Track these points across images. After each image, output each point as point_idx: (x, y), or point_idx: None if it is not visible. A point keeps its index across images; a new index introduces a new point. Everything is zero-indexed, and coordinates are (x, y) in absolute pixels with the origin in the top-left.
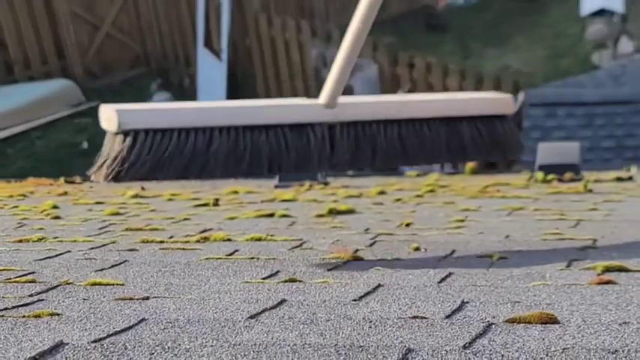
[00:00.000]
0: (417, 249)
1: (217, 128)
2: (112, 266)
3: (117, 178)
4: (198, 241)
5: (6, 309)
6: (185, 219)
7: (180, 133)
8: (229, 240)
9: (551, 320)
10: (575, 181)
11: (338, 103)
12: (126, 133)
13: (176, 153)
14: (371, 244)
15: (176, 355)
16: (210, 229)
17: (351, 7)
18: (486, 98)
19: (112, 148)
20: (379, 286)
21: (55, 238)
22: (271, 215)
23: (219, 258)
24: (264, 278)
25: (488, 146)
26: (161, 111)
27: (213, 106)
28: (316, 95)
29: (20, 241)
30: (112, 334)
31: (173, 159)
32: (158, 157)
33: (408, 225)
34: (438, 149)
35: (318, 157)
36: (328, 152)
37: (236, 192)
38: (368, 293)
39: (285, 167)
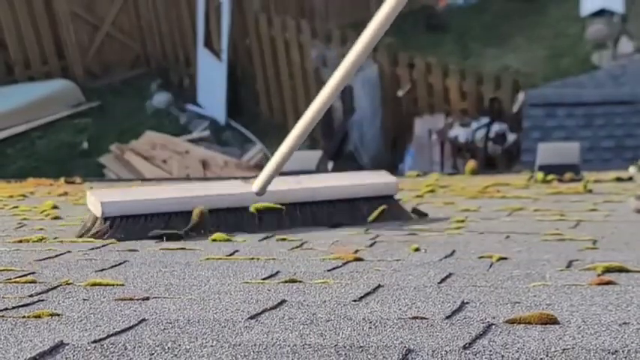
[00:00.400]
0: (417, 249)
1: (173, 213)
2: (112, 266)
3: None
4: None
5: (6, 309)
6: None
7: (146, 217)
8: (229, 240)
9: (551, 321)
10: (575, 182)
11: (267, 191)
12: (106, 218)
13: (142, 230)
14: (371, 245)
15: (176, 355)
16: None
17: (351, 7)
18: (378, 183)
19: (94, 223)
20: (379, 286)
21: (55, 238)
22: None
23: (220, 258)
24: (264, 279)
25: (381, 217)
26: (133, 202)
27: (169, 196)
28: (315, 95)
29: (20, 241)
30: (112, 335)
31: (139, 232)
32: (129, 231)
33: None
34: (341, 219)
35: (251, 227)
36: (257, 224)
37: None
38: (368, 294)
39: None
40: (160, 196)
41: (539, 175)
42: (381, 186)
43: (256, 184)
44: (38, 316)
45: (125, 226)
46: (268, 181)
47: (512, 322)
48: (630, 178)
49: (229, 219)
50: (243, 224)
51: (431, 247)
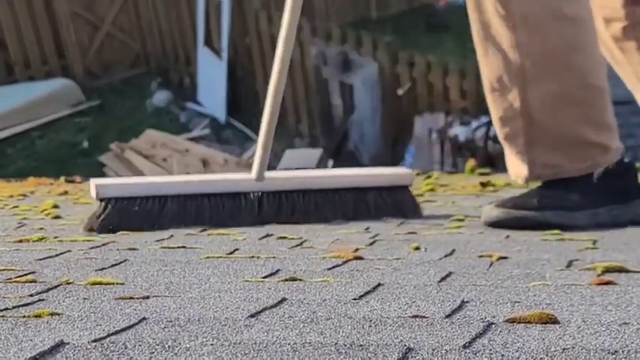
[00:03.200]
0: (417, 248)
1: (169, 196)
2: (112, 265)
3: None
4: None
5: (6, 309)
6: None
7: (141, 200)
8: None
9: (551, 320)
10: None
11: (265, 177)
12: (102, 200)
13: (139, 214)
14: (371, 243)
15: (176, 354)
16: (211, 227)
17: (351, 6)
18: (389, 173)
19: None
20: (379, 285)
21: (56, 237)
22: None
23: (220, 257)
24: (264, 277)
25: (390, 209)
26: (127, 185)
27: (166, 181)
28: (315, 94)
29: (20, 240)
30: (112, 334)
31: (136, 217)
32: (125, 215)
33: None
34: (345, 211)
35: (249, 215)
36: (256, 212)
37: None
38: (368, 292)
39: (222, 223)
40: (155, 180)
41: None
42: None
43: (253, 171)
44: (38, 316)
45: (121, 208)
46: (263, 167)
47: (512, 321)
48: None
49: (228, 205)
50: (242, 211)
51: (431, 245)
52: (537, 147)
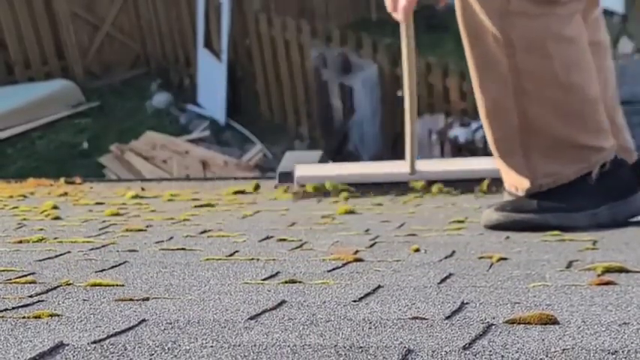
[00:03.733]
0: (417, 250)
1: (354, 184)
2: (112, 267)
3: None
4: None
5: (6, 310)
6: (185, 219)
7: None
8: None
9: (551, 321)
10: None
11: (417, 170)
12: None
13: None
14: (371, 245)
15: (176, 356)
16: (210, 230)
17: (351, 7)
18: None
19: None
20: (379, 287)
21: (55, 238)
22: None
23: (220, 259)
24: (264, 279)
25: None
26: (316, 177)
27: (348, 172)
28: (315, 95)
29: (20, 241)
30: (111, 335)
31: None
32: None
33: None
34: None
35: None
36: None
37: (236, 192)
38: (368, 294)
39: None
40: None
41: None
42: None
43: (407, 166)
44: (38, 317)
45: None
46: (414, 162)
47: (512, 322)
48: None
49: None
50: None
51: (431, 247)
52: (536, 159)
